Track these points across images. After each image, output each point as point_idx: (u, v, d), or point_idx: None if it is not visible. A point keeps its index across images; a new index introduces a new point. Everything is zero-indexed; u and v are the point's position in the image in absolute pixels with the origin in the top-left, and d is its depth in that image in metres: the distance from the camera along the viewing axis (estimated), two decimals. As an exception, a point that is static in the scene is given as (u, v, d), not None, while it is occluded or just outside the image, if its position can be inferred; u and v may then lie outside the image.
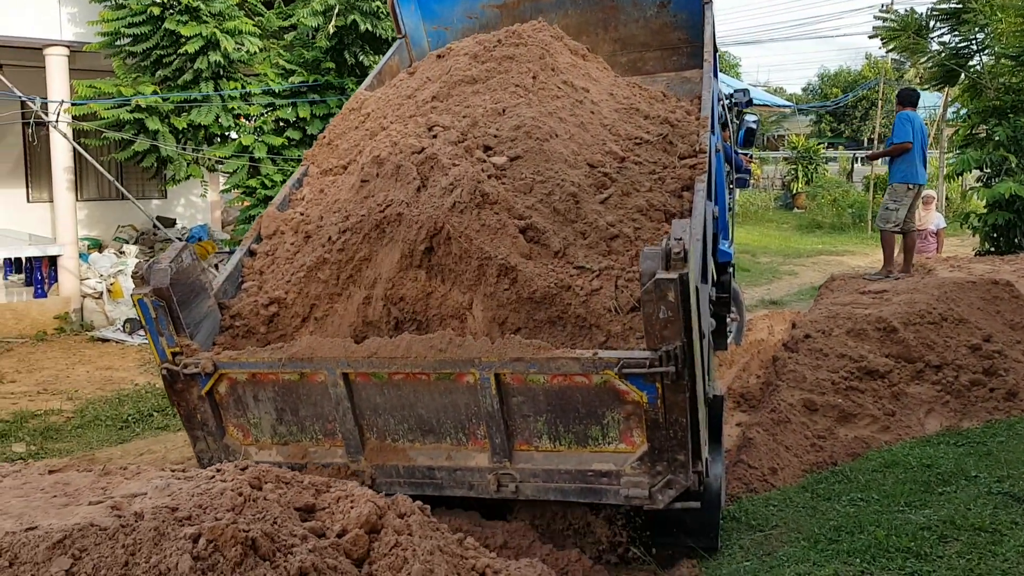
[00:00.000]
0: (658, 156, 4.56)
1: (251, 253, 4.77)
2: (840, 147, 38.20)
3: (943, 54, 12.34)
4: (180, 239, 13.56)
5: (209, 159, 12.22)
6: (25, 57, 12.51)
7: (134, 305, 3.95)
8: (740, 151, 8.68)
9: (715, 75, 5.88)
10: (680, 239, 3.27)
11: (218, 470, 3.06)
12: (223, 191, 14.06)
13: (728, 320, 7.96)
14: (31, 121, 11.24)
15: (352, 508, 2.84)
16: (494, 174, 4.07)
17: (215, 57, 11.19)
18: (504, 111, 4.40)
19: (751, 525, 5.13)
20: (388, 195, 4.09)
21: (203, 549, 2.35)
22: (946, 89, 15.08)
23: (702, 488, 3.78)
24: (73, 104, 11.41)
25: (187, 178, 12.47)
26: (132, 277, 3.96)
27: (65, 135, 11.40)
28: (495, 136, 4.32)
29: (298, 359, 3.81)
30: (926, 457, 5.87)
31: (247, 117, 12.44)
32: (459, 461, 3.82)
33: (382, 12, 11.30)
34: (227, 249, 13.53)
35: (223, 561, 2.35)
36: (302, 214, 4.74)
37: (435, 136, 4.27)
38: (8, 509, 2.71)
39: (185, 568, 2.29)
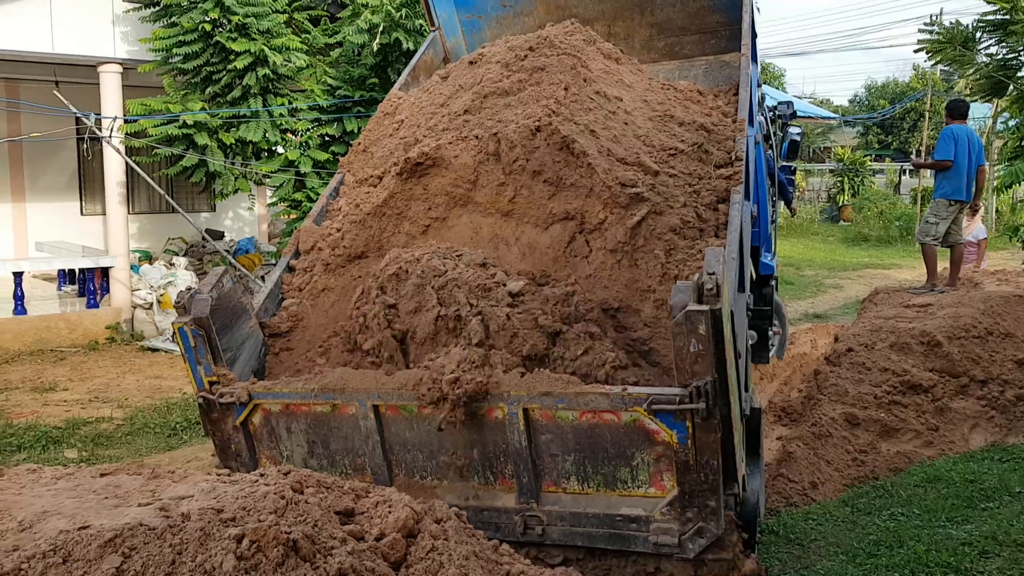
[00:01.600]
0: (693, 167, 4.50)
1: (290, 269, 4.80)
2: (888, 159, 37.75)
3: (990, 66, 12.15)
4: (228, 251, 13.85)
5: (256, 173, 12.48)
6: (80, 74, 12.89)
7: (174, 334, 3.99)
8: (784, 163, 8.66)
9: (754, 60, 5.71)
10: (713, 273, 3.18)
11: (261, 474, 3.15)
12: (270, 204, 14.35)
13: (770, 333, 7.93)
14: (86, 136, 11.59)
15: (390, 513, 2.91)
16: (510, 303, 3.92)
17: (263, 72, 11.44)
18: (537, 131, 4.36)
19: (789, 539, 5.12)
20: (405, 322, 3.96)
21: (247, 549, 2.43)
22: (995, 101, 14.86)
23: (739, 509, 3.73)
24: (126, 121, 11.73)
25: (235, 192, 12.75)
26: (175, 307, 4.01)
27: (118, 150, 11.72)
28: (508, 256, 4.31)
29: (330, 390, 3.82)
30: (969, 472, 5.81)
31: (293, 132, 12.69)
32: (486, 501, 3.76)
33: (424, 30, 11.47)
34: (273, 261, 13.78)
35: (265, 561, 2.43)
36: (338, 230, 4.78)
37: (460, 256, 4.15)
38: (62, 509, 2.82)
39: (229, 567, 2.37)
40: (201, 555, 2.42)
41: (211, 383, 4.00)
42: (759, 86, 6.24)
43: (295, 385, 3.94)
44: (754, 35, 5.77)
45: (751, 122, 4.99)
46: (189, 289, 4.03)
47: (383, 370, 3.98)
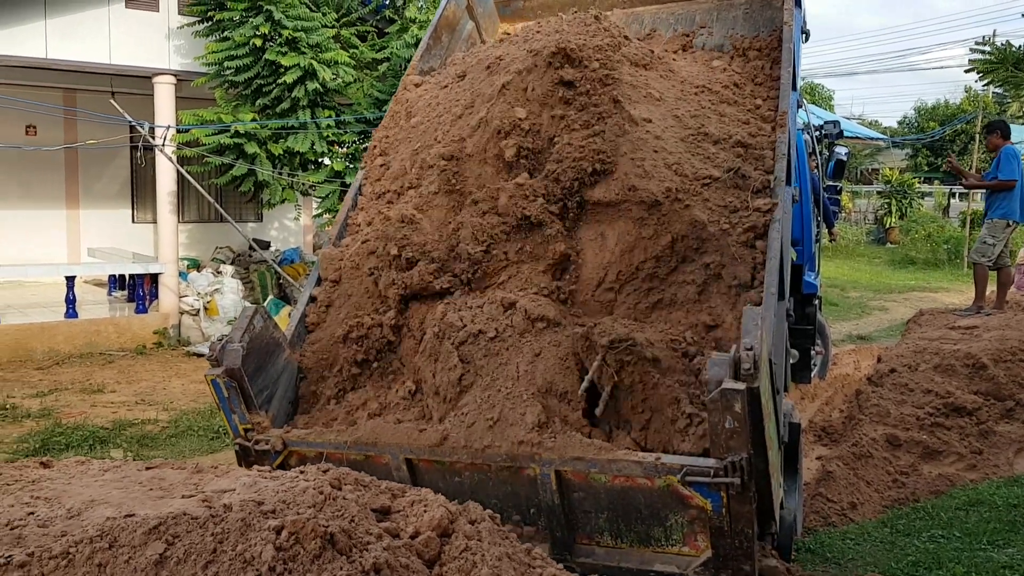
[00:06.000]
0: (728, 199, 4.20)
1: (313, 299, 4.68)
2: (937, 182, 37.19)
3: (1043, 87, 12.00)
4: (274, 260, 14.05)
5: (303, 184, 12.68)
6: (135, 85, 13.23)
7: (207, 385, 3.98)
8: (829, 183, 8.59)
9: (798, 5, 5.28)
10: (751, 349, 3.06)
11: (301, 471, 3.22)
12: (315, 215, 14.54)
13: (813, 353, 7.85)
14: (139, 145, 11.88)
15: (425, 512, 2.96)
16: (532, 357, 3.86)
17: (312, 86, 11.64)
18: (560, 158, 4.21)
19: (826, 558, 5.07)
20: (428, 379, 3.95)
21: (285, 541, 2.50)
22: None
23: (775, 544, 3.68)
24: (179, 131, 12.01)
25: (282, 202, 12.96)
26: (207, 358, 4.00)
27: (171, 159, 11.99)
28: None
29: (363, 443, 3.81)
30: (1013, 497, 5.71)
31: (340, 144, 12.87)
32: None
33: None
34: (317, 271, 13.93)
35: (303, 553, 2.49)
36: (356, 266, 4.60)
37: (480, 306, 4.07)
38: (109, 499, 2.92)
39: (268, 557, 2.44)
40: (241, 544, 2.49)
41: (246, 430, 4.01)
42: (803, 32, 5.80)
43: (328, 436, 3.92)
44: None
45: (794, 87, 4.76)
46: (221, 339, 4.00)
47: (412, 415, 4.00)
